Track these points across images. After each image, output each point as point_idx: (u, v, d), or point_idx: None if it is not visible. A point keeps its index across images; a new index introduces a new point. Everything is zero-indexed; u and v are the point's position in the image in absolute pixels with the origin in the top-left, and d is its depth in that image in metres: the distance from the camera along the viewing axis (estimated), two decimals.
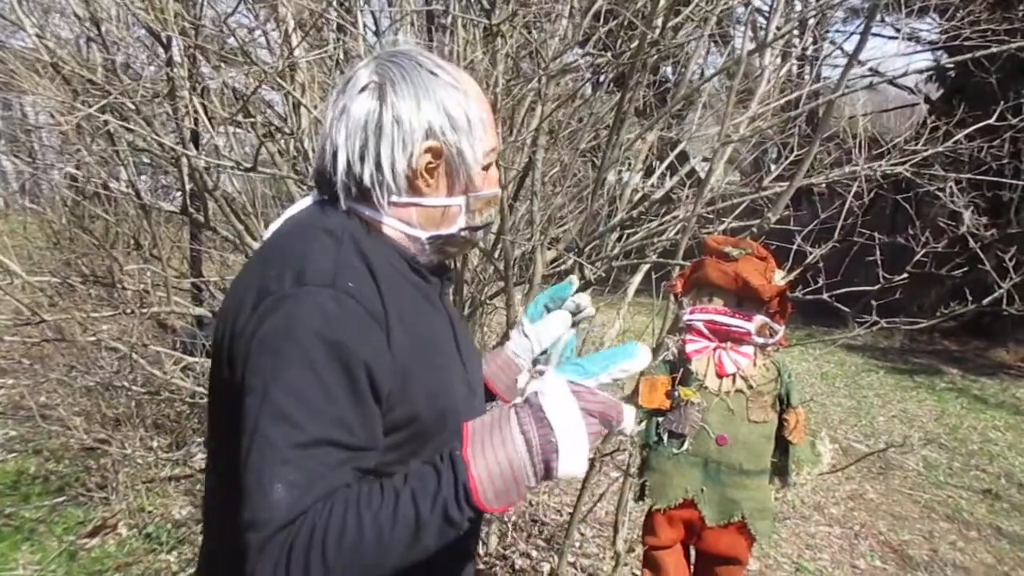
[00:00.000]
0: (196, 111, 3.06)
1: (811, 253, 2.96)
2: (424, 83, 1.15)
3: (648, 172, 4.19)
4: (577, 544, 3.84)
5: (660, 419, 2.36)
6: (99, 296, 4.08)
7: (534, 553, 3.71)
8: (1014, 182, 5.94)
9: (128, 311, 3.63)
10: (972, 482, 5.57)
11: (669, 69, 6.45)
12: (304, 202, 1.26)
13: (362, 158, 1.15)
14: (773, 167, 3.89)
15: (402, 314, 1.12)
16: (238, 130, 3.66)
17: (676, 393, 2.31)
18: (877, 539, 4.50)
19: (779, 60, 4.17)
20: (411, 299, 1.18)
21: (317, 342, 1.00)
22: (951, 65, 10.46)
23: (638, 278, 3.83)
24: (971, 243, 3.19)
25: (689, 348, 2.33)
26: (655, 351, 2.65)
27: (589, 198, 3.09)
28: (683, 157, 4.46)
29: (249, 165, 2.76)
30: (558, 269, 3.65)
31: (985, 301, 2.69)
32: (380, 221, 1.19)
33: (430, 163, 1.16)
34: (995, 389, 8.57)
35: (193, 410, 4.54)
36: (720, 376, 2.29)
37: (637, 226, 3.70)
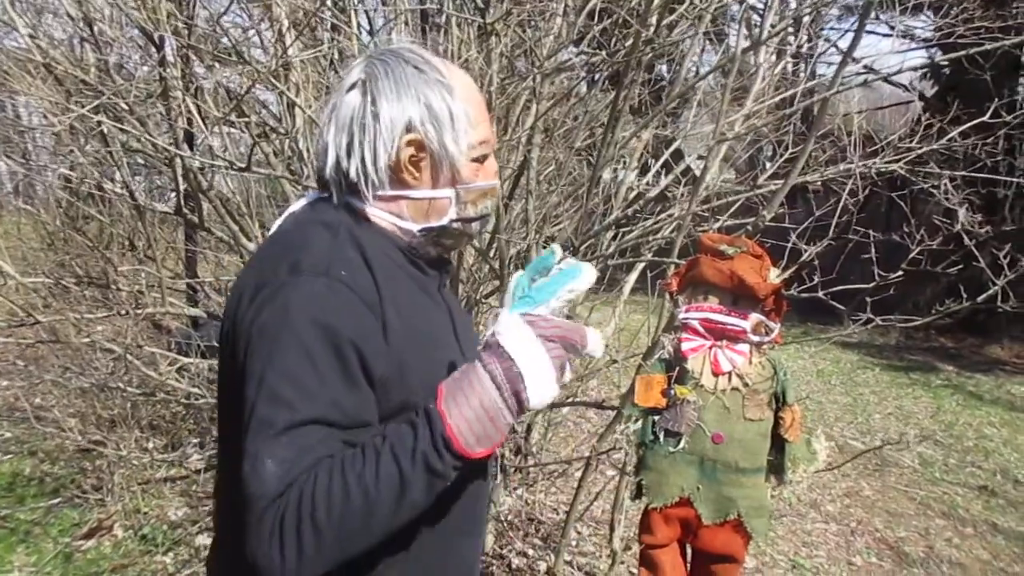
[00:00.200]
0: (190, 111, 3.05)
1: (806, 251, 2.97)
2: (407, 78, 1.18)
3: (643, 170, 4.19)
4: (574, 543, 3.84)
5: (656, 418, 2.36)
6: (94, 297, 4.07)
7: (530, 552, 3.71)
8: (1008, 179, 5.95)
9: (123, 312, 3.62)
10: (968, 479, 5.58)
11: (664, 67, 6.46)
12: (304, 200, 1.29)
13: (349, 154, 1.18)
14: (768, 165, 3.90)
15: (398, 305, 1.14)
16: (232, 130, 3.66)
17: (672, 391, 2.31)
18: (873, 536, 4.50)
19: (774, 58, 4.17)
20: (408, 291, 1.21)
21: (310, 327, 1.03)
22: (945, 62, 10.48)
23: (634, 276, 3.84)
24: (966, 240, 3.20)
25: (685, 346, 2.33)
26: (651, 349, 2.65)
27: (584, 196, 3.09)
28: (678, 155, 4.46)
29: (243, 165, 2.75)
30: None
31: (980, 298, 2.70)
32: (373, 214, 1.22)
33: (413, 156, 1.19)
34: (990, 385, 8.59)
35: (188, 411, 4.53)
36: (716, 374, 2.30)
37: (632, 224, 3.70)
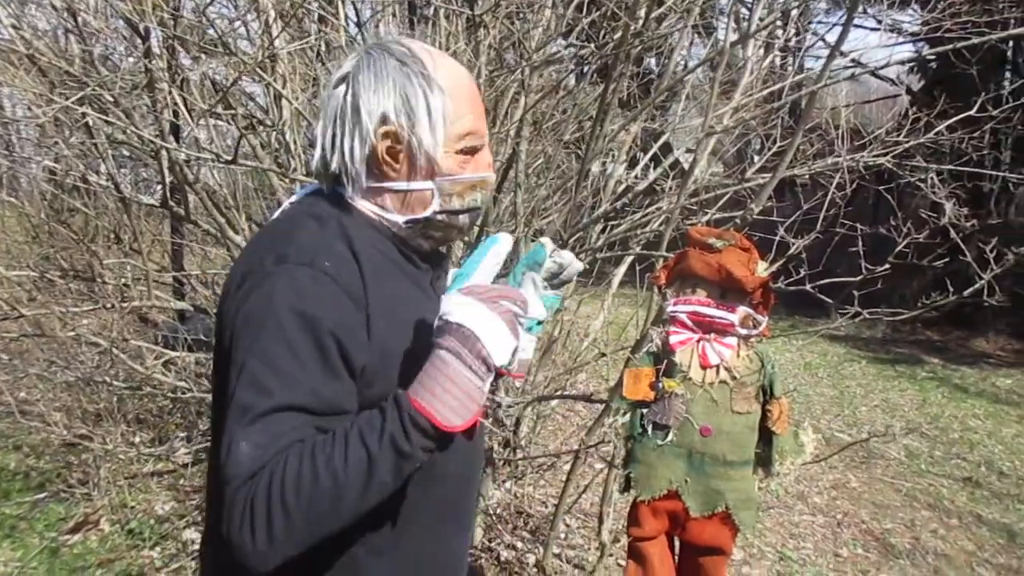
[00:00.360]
0: (176, 103, 3.03)
1: (794, 244, 2.97)
2: (387, 71, 1.18)
3: (632, 164, 4.19)
4: (562, 535, 3.85)
5: (644, 411, 2.36)
6: (79, 291, 4.04)
7: (519, 545, 3.71)
8: (994, 173, 5.98)
9: (108, 305, 3.59)
10: (953, 470, 5.62)
11: (653, 60, 6.45)
12: (301, 192, 1.31)
13: (332, 146, 1.21)
14: (756, 158, 3.90)
15: (385, 297, 1.16)
16: (219, 122, 3.63)
17: (660, 385, 2.31)
18: (860, 528, 4.53)
19: (762, 51, 4.18)
20: (396, 283, 1.22)
21: (290, 315, 1.05)
22: (932, 57, 10.52)
23: (622, 270, 3.84)
24: (952, 234, 3.21)
25: (673, 340, 2.34)
26: (639, 343, 2.66)
27: (573, 190, 3.09)
28: (666, 148, 4.47)
29: (230, 158, 2.73)
30: None
31: (966, 292, 2.71)
32: (361, 206, 1.23)
33: (391, 148, 1.19)
34: (975, 378, 8.66)
35: (175, 405, 4.52)
36: (704, 367, 2.30)
37: (621, 218, 3.71)
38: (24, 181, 5.55)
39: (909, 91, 11.74)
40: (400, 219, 1.23)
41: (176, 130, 3.59)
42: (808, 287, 2.89)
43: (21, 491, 4.02)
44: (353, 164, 1.19)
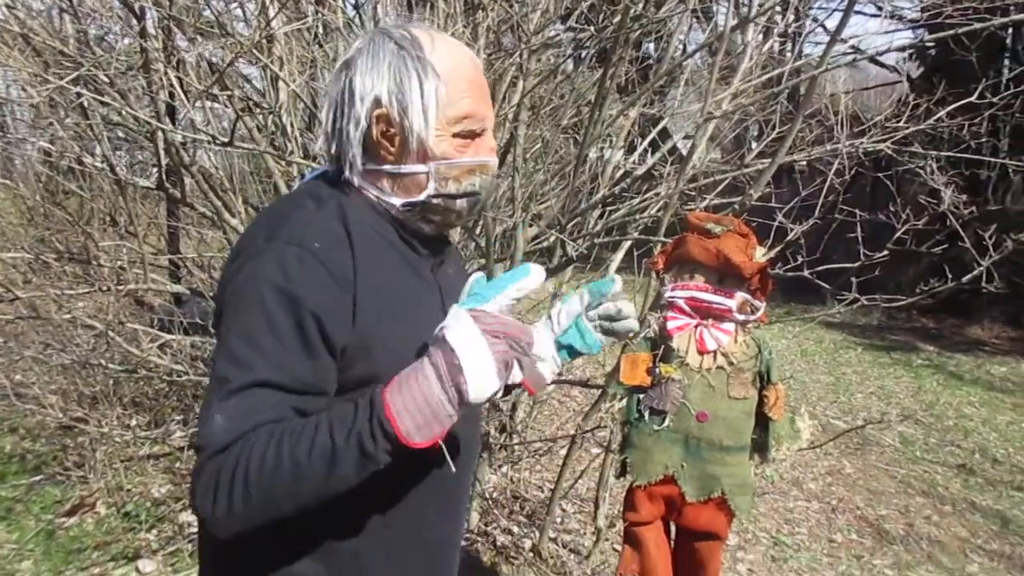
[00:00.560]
0: (171, 84, 3.01)
1: (792, 230, 2.97)
2: (383, 55, 1.19)
3: (630, 149, 4.18)
4: (558, 520, 3.86)
5: (641, 396, 2.36)
6: (74, 273, 4.02)
7: (515, 529, 3.73)
8: (993, 160, 5.97)
9: (104, 288, 3.58)
10: (947, 457, 5.65)
11: (651, 46, 6.42)
12: (312, 174, 1.33)
13: (332, 129, 1.23)
14: (754, 144, 3.89)
15: (376, 280, 1.16)
16: (215, 104, 3.61)
17: (657, 370, 2.31)
18: (854, 514, 4.55)
19: (761, 37, 4.15)
20: (392, 267, 1.22)
21: (273, 292, 1.08)
22: (931, 43, 10.49)
23: (620, 255, 3.83)
24: (951, 221, 3.21)
25: (670, 325, 2.34)
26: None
27: (571, 175, 3.08)
28: (665, 134, 4.45)
29: (226, 139, 2.71)
30: (540, 246, 3.63)
31: (965, 279, 2.71)
32: (362, 188, 1.24)
33: (385, 131, 1.20)
34: (970, 366, 8.69)
35: (171, 388, 4.51)
36: (701, 353, 2.30)
37: (619, 203, 3.70)
38: (19, 162, 5.51)
39: (908, 78, 11.71)
40: (397, 202, 1.24)
41: (172, 112, 3.57)
42: (806, 273, 2.89)
43: (17, 473, 4.02)
44: (350, 146, 1.21)
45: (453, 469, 1.10)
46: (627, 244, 3.73)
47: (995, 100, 3.59)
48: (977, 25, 3.08)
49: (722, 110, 3.13)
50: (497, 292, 1.09)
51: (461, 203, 1.26)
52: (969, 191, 7.67)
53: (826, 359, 8.55)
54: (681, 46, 4.76)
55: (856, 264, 2.93)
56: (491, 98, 1.32)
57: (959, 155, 4.03)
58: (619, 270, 3.94)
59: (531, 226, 3.39)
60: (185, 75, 3.14)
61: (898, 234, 3.03)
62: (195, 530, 3.21)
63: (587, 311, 1.31)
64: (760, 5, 3.00)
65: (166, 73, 2.95)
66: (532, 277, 1.11)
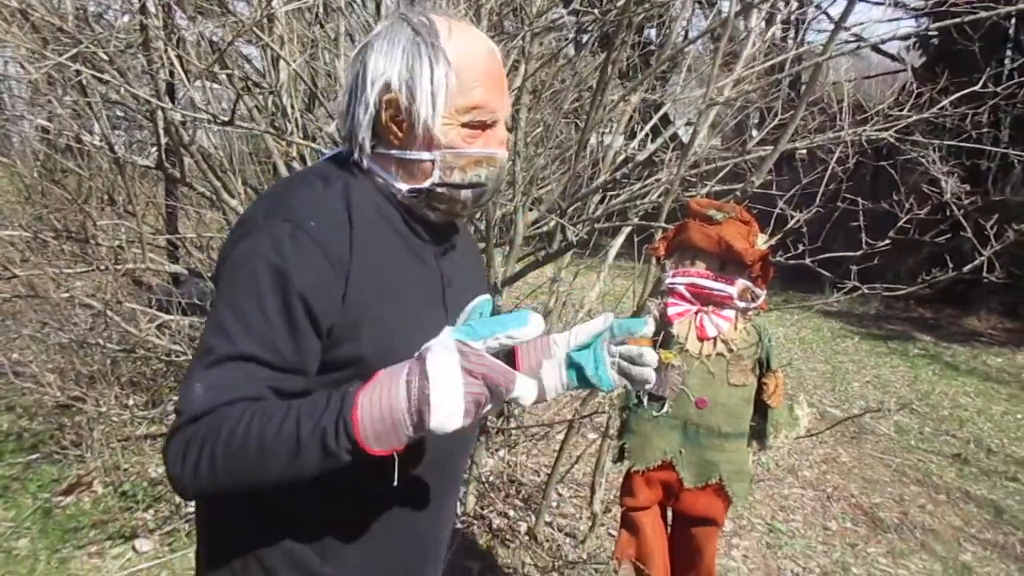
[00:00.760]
0: (171, 63, 2.98)
1: (793, 218, 2.96)
2: (399, 39, 1.19)
3: (631, 134, 4.16)
4: (554, 504, 3.87)
5: None
6: (72, 252, 4.01)
7: (511, 513, 3.74)
8: (995, 149, 5.96)
9: (102, 267, 3.57)
10: (942, 447, 5.67)
11: (653, 31, 6.39)
12: (328, 154, 1.34)
13: (346, 112, 1.24)
14: (756, 132, 3.87)
15: (373, 263, 1.17)
16: (215, 84, 3.58)
17: (657, 356, 2.31)
18: (849, 502, 4.57)
19: (764, 23, 4.13)
20: (392, 250, 1.22)
21: (264, 268, 1.10)
22: (934, 32, 10.44)
23: (620, 241, 3.82)
24: (952, 210, 3.20)
25: (671, 311, 2.33)
26: (636, 314, 2.65)
27: (572, 159, 3.06)
28: (666, 120, 4.43)
29: (226, 119, 2.69)
30: (540, 230, 3.62)
31: (966, 268, 2.71)
32: (370, 171, 1.25)
33: (394, 115, 1.20)
34: (966, 356, 8.71)
35: (169, 368, 4.51)
36: (701, 339, 2.30)
37: (620, 189, 3.68)
38: (16, 140, 5.49)
39: (911, 67, 11.67)
40: (403, 187, 1.24)
41: (172, 90, 3.55)
42: (807, 261, 2.88)
43: (14, 452, 4.02)
44: (360, 129, 1.21)
45: (395, 483, 1.08)
46: (627, 230, 3.72)
47: (998, 90, 3.57)
48: (981, 14, 3.06)
49: (724, 97, 3.12)
50: (488, 334, 1.04)
51: (466, 193, 1.25)
52: (970, 181, 7.67)
53: (823, 347, 8.56)
54: (683, 32, 4.74)
55: (857, 253, 2.93)
56: None
57: (961, 144, 4.02)
58: (618, 256, 3.93)
59: (531, 210, 3.38)
60: (185, 54, 3.12)
61: (900, 223, 3.02)
62: (192, 510, 3.21)
63: (610, 343, 1.33)
64: None
65: (166, 51, 2.93)
66: (529, 328, 1.05)
